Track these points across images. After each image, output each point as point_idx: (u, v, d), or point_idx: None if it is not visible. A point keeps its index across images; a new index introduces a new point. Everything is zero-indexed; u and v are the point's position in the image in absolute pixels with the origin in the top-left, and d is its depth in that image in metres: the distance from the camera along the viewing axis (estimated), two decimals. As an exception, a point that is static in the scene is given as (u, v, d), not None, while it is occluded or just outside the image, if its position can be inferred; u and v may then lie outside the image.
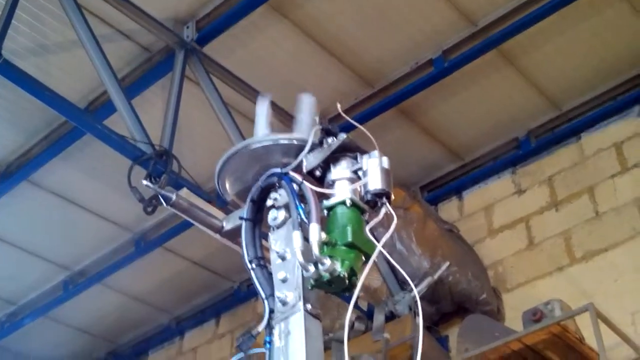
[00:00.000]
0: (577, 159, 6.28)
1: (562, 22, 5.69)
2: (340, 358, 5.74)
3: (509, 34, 5.67)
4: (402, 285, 6.13)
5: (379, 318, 6.03)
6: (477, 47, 5.77)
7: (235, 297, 8.09)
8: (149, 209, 4.82)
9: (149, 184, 2.59)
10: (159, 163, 5.11)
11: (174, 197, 2.58)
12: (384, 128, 6.27)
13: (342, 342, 5.95)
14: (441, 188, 7.05)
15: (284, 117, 4.59)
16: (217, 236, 2.60)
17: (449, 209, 6.92)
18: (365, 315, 6.33)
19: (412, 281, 6.00)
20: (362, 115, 6.09)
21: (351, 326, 6.22)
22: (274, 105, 2.57)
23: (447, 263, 6.03)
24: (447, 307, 6.28)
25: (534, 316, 5.13)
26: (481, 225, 6.63)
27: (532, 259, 6.17)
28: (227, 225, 2.53)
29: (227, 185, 2.50)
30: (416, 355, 5.10)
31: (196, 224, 2.65)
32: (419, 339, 4.39)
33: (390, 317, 6.03)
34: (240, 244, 2.39)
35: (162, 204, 2.64)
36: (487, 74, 6.09)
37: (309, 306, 2.21)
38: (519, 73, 6.12)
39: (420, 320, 2.46)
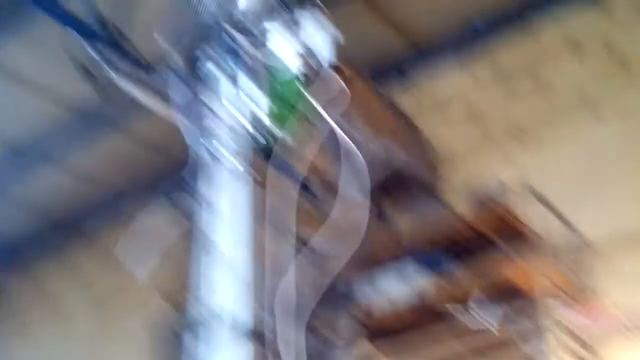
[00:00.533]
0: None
1: None
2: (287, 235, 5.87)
3: None
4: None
5: (325, 197, 6.09)
6: None
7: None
8: (100, 93, 4.72)
9: (85, 64, 2.54)
10: (107, 39, 4.98)
11: (115, 77, 2.56)
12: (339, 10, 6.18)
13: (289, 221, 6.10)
14: (390, 72, 7.01)
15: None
16: (148, 99, 2.61)
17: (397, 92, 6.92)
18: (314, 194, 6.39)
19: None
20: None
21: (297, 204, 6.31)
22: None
23: (391, 139, 6.05)
24: (389, 182, 6.32)
25: (474, 193, 5.26)
26: (431, 107, 6.69)
27: (475, 135, 6.28)
28: (161, 83, 2.53)
29: (165, 44, 2.48)
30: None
31: (138, 100, 2.64)
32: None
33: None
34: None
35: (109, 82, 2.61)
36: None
37: (237, 161, 2.26)
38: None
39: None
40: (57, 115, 7.44)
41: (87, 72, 4.56)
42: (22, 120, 7.50)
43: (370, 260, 5.31)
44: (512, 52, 6.41)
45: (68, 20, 5.07)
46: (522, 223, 5.08)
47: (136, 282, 7.90)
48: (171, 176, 7.65)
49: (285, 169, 2.19)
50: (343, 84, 2.24)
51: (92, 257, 8.70)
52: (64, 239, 9.10)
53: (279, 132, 2.18)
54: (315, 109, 2.20)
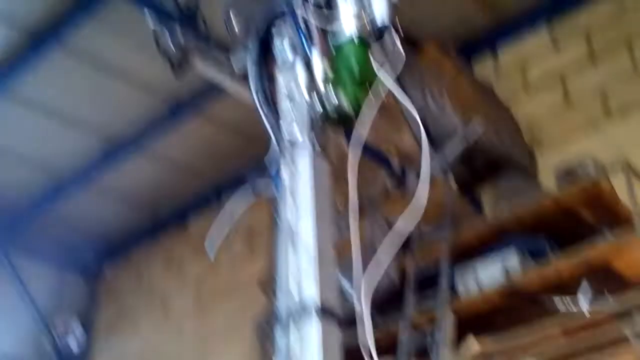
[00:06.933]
0: (616, 11, 6.00)
1: None
2: (374, 219, 5.78)
3: None
4: (435, 145, 6.05)
5: (411, 179, 6.00)
6: None
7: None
8: (178, 72, 4.77)
9: (160, 37, 2.52)
10: (184, 20, 5.02)
11: (188, 55, 2.52)
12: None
13: (374, 204, 6.00)
14: (475, 44, 6.83)
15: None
16: (229, 82, 2.57)
17: (483, 66, 6.73)
18: (399, 176, 6.30)
19: (446, 141, 5.90)
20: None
21: (384, 188, 6.22)
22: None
23: (481, 122, 5.91)
24: (481, 168, 6.19)
25: (567, 174, 5.05)
26: (516, 83, 6.45)
27: (567, 117, 6.02)
28: (236, 66, 2.49)
29: (235, 24, 2.44)
30: (448, 215, 5.13)
31: (210, 74, 2.61)
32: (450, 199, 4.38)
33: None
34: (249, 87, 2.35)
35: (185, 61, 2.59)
36: None
37: (316, 144, 2.19)
38: None
39: (451, 180, 2.43)
40: (146, 103, 7.50)
41: (167, 55, 4.59)
42: (111, 108, 7.60)
43: (466, 248, 5.16)
44: (596, 16, 6.16)
45: (148, 3, 5.12)
46: (620, 204, 4.84)
47: (229, 269, 8.03)
48: (257, 161, 7.69)
49: (364, 147, 2.10)
50: (400, 47, 2.14)
51: (186, 244, 8.80)
52: (159, 226, 9.24)
53: (352, 106, 2.08)
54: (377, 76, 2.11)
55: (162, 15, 5.01)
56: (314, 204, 2.12)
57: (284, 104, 2.26)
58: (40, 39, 6.59)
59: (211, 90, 6.83)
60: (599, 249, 4.63)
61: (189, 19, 5.01)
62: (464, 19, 6.71)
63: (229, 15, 2.40)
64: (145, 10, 3.00)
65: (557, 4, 6.36)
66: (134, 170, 8.25)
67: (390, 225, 5.76)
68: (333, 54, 2.20)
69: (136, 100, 7.45)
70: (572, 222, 4.95)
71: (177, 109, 7.47)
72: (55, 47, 6.65)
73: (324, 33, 2.18)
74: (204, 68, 2.59)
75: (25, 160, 8.14)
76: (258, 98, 2.27)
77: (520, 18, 6.61)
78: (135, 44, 6.63)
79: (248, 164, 8.27)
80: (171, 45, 2.50)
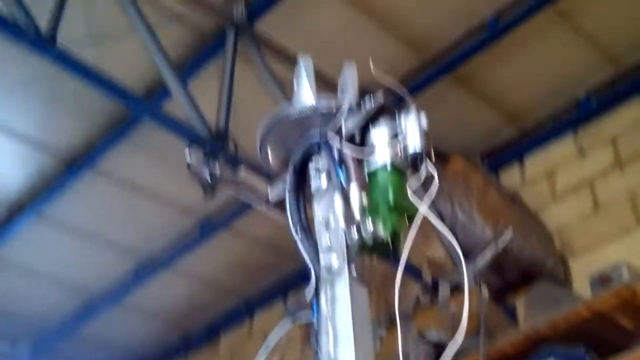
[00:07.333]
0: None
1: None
2: (407, 332, 5.73)
3: (563, -10, 5.53)
4: (466, 256, 6.04)
5: (444, 290, 5.97)
6: (531, 6, 5.61)
7: (302, 275, 8.05)
8: (208, 191, 4.87)
9: (192, 162, 2.60)
10: (215, 144, 5.18)
11: (218, 174, 2.59)
12: (439, 97, 6.20)
13: (407, 317, 5.96)
14: (501, 154, 6.91)
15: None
16: (264, 208, 2.62)
17: (510, 175, 6.80)
18: (431, 288, 6.27)
19: (476, 251, 5.92)
20: (416, 84, 6.03)
21: (416, 300, 6.19)
22: (324, 77, 2.57)
23: (511, 231, 5.92)
24: (513, 276, 6.17)
25: (602, 280, 5.01)
26: (544, 190, 6.48)
27: (598, 223, 6.02)
28: (272, 196, 2.54)
29: (270, 155, 2.51)
30: (482, 326, 5.06)
31: (243, 198, 2.68)
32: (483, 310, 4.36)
33: (456, 289, 5.97)
34: (285, 214, 2.40)
35: (216, 184, 2.66)
36: (542, 34, 5.92)
37: (354, 271, 2.21)
38: (576, 31, 5.93)
39: (484, 290, 2.45)
40: (177, 222, 7.61)
41: (200, 181, 4.69)
42: (142, 229, 7.71)
43: (502, 359, 5.08)
44: (621, 121, 6.22)
45: (179, 129, 5.29)
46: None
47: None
48: (288, 278, 7.67)
49: (398, 265, 2.13)
50: (435, 170, 2.19)
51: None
52: (189, 342, 9.18)
53: (388, 233, 2.13)
54: (413, 203, 2.16)
55: (193, 137, 5.20)
56: (354, 332, 2.13)
57: (320, 231, 2.30)
58: (74, 164, 6.77)
59: (241, 207, 6.93)
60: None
61: (221, 141, 5.18)
62: (490, 131, 6.83)
63: (265, 146, 2.48)
64: (186, 150, 3.09)
65: (583, 113, 6.44)
66: (164, 287, 8.27)
67: (423, 337, 5.73)
68: (367, 182, 2.25)
69: (167, 220, 7.56)
70: (609, 329, 4.86)
71: (207, 227, 7.55)
72: (89, 171, 6.82)
73: (358, 161, 2.24)
74: (237, 192, 2.65)
75: (57, 282, 8.20)
76: (295, 227, 2.31)
77: (546, 128, 6.70)
78: (166, 166, 6.79)
79: (278, 279, 8.33)
80: (205, 174, 2.56)
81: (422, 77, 6.14)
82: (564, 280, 6.01)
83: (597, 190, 6.14)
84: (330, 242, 2.24)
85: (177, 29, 5.88)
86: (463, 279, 5.58)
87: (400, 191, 2.20)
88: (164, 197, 7.31)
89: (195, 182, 4.73)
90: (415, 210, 2.18)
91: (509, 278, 6.18)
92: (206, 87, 5.92)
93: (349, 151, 2.23)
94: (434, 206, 2.25)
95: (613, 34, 5.98)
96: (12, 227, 7.28)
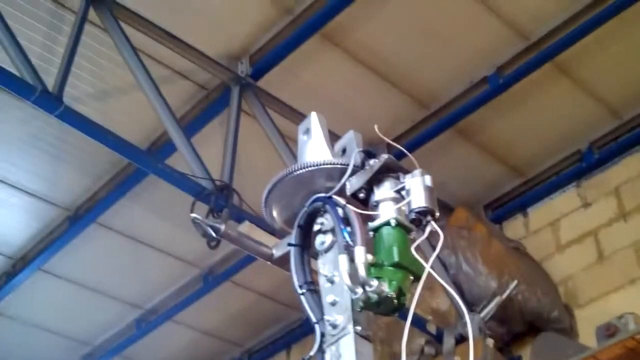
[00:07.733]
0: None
1: (618, 29, 5.56)
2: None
3: (562, 45, 5.57)
4: (471, 306, 6.05)
5: (448, 341, 5.96)
6: (531, 62, 5.70)
7: (305, 327, 8.07)
8: (212, 244, 4.89)
9: (197, 216, 2.62)
10: (220, 198, 5.22)
11: (222, 228, 2.60)
12: (443, 149, 6.26)
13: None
14: (505, 206, 6.95)
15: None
16: (269, 263, 2.64)
17: (514, 227, 6.82)
18: (435, 338, 6.25)
19: (481, 302, 5.92)
20: (419, 138, 6.10)
21: (421, 351, 6.16)
22: (331, 133, 2.60)
23: (515, 282, 5.93)
24: (518, 327, 6.16)
25: (608, 331, 4.99)
26: (548, 241, 6.50)
27: (602, 273, 6.02)
28: (277, 252, 2.56)
29: (275, 212, 2.53)
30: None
31: (248, 252, 2.69)
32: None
33: (461, 339, 5.95)
34: (290, 270, 2.41)
35: (220, 237, 2.66)
36: (543, 88, 6.00)
37: (359, 328, 2.21)
38: (577, 84, 6.01)
39: (490, 341, 2.44)
40: (179, 274, 7.62)
41: (204, 232, 4.70)
42: (144, 280, 7.71)
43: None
44: (624, 171, 6.26)
45: (183, 183, 5.32)
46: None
47: None
48: (291, 330, 7.60)
49: (405, 320, 2.14)
50: (438, 228, 2.21)
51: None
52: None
53: (393, 289, 2.14)
54: (418, 260, 2.19)
55: (197, 191, 5.23)
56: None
57: (325, 287, 2.31)
58: (78, 217, 6.81)
59: (244, 259, 6.94)
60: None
61: (225, 195, 5.21)
62: (494, 183, 6.88)
63: (269, 203, 2.50)
64: (191, 203, 3.12)
65: (586, 165, 6.47)
66: (166, 339, 8.23)
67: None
68: (371, 238, 2.27)
69: (170, 272, 7.57)
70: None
71: (210, 279, 7.54)
72: (93, 224, 6.84)
73: (362, 218, 2.26)
74: (241, 245, 2.66)
75: (60, 334, 8.18)
76: (299, 283, 2.32)
77: (549, 179, 6.73)
78: (170, 219, 6.83)
79: (281, 331, 8.29)
80: (208, 227, 2.57)
81: (425, 131, 6.20)
82: (570, 330, 6.00)
83: (602, 241, 6.15)
84: (335, 299, 2.25)
85: (183, 85, 5.96)
86: (467, 330, 5.61)
87: (405, 249, 2.21)
88: (167, 249, 7.33)
89: (198, 235, 4.78)
90: (421, 268, 2.20)
91: (515, 328, 6.17)
92: (209, 142, 5.99)
93: (353, 209, 2.25)
94: (438, 258, 2.27)
95: (614, 86, 6.05)
96: (15, 280, 7.28)
